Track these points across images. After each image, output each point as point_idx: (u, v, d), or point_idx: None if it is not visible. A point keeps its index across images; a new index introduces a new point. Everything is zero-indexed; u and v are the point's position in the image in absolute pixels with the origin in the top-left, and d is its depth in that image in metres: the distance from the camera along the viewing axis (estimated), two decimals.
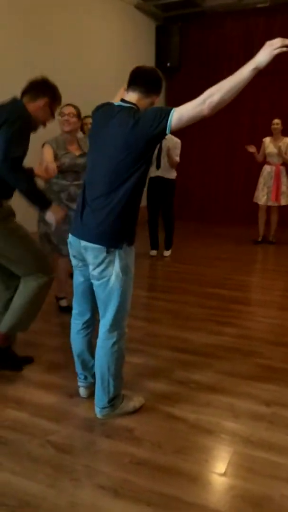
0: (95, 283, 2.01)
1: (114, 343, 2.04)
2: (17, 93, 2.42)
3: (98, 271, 1.96)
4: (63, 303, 3.51)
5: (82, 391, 2.31)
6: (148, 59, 7.66)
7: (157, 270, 5.00)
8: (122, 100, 2.01)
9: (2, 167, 2.19)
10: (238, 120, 7.70)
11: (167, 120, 1.79)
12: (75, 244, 2.04)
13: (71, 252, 2.11)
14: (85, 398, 2.31)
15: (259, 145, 6.06)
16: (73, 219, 2.10)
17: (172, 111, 1.80)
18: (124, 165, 1.88)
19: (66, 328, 3.19)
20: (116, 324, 2.03)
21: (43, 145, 3.22)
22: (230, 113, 7.73)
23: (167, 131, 1.82)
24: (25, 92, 2.43)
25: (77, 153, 3.28)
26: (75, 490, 1.69)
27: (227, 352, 2.86)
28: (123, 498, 1.65)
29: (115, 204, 1.90)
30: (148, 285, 4.56)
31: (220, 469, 1.83)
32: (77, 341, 2.24)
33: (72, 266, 2.17)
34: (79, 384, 2.32)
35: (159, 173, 5.13)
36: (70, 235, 2.08)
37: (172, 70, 7.99)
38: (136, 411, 2.19)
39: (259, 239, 6.08)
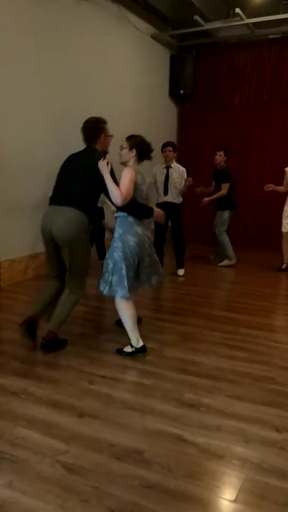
0: None
1: None
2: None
3: None
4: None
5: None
6: (162, 86, 7.87)
7: (169, 292, 5.01)
8: None
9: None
10: (265, 148, 7.83)
11: None
12: None
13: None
14: (94, 419, 2.30)
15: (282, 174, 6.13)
16: None
17: None
18: None
19: (75, 348, 3.19)
20: None
21: None
22: (258, 141, 7.83)
23: None
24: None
25: None
26: None
27: (238, 376, 2.84)
28: None
29: None
30: (159, 307, 4.56)
31: (231, 496, 1.80)
32: None
33: None
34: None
35: (166, 199, 5.49)
36: None
37: (185, 97, 8.18)
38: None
39: (283, 267, 6.04)
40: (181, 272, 5.65)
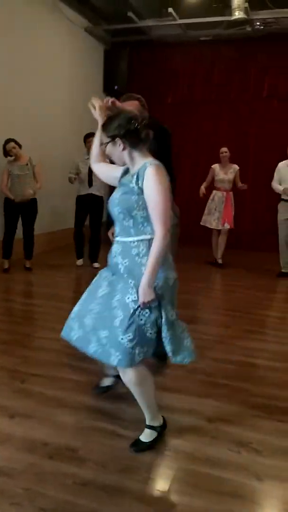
0: None
1: None
2: None
3: None
4: None
5: None
6: (96, 81, 7.79)
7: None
8: None
9: None
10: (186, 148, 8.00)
11: None
12: None
13: None
14: (26, 418, 2.23)
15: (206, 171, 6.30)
16: None
17: None
18: None
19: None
20: None
21: None
22: (190, 140, 7.96)
23: None
24: None
25: None
26: None
27: (171, 369, 2.88)
28: None
29: None
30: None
31: (164, 487, 1.83)
32: None
33: None
34: None
35: (91, 190, 5.56)
36: None
37: (119, 93, 8.15)
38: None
39: (215, 261, 6.24)
40: (96, 265, 5.62)
